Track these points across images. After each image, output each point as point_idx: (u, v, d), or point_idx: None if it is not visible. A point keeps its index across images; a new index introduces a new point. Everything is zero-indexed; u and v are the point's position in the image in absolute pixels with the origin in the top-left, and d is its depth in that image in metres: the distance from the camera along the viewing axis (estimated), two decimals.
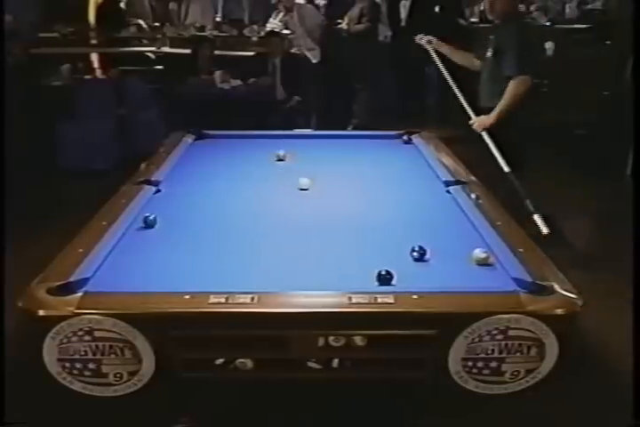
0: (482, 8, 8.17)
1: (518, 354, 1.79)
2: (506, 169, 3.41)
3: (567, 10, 9.03)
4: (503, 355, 1.79)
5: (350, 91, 6.85)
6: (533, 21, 7.98)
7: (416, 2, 7.36)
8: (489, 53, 3.66)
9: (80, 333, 1.75)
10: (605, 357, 2.96)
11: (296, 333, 1.81)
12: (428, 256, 2.13)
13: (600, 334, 3.05)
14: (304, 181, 2.89)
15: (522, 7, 7.55)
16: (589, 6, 9.41)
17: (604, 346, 3.02)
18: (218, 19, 8.08)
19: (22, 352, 1.89)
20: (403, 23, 7.50)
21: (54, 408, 2.35)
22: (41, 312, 1.78)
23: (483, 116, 3.63)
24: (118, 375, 1.81)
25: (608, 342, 3.03)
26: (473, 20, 7.95)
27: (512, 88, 3.50)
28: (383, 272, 1.94)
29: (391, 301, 1.79)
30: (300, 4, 7.27)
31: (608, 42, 6.86)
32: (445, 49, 3.92)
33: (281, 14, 6.98)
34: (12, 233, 2.82)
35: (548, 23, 7.88)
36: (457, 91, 3.77)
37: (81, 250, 2.13)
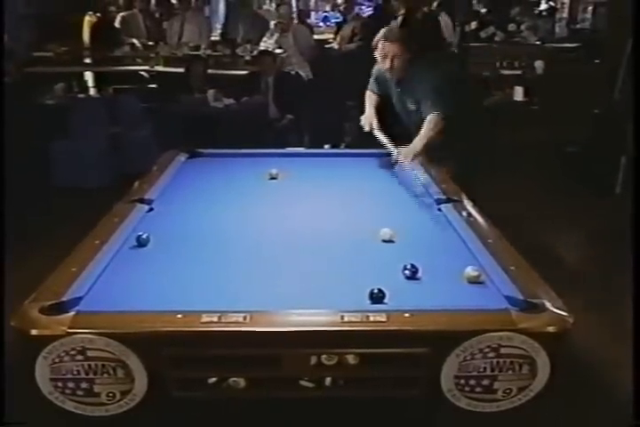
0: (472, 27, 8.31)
1: (510, 372, 1.80)
2: None
3: (557, 29, 9.16)
4: (495, 373, 1.80)
5: (343, 108, 6.89)
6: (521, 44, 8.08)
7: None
8: (411, 106, 3.73)
9: (72, 352, 1.75)
10: (601, 373, 2.97)
11: (288, 351, 1.81)
12: (419, 274, 2.14)
13: (594, 351, 3.06)
14: (386, 232, 2.50)
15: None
16: (579, 26, 9.57)
17: (599, 362, 3.03)
18: (213, 38, 8.15)
19: (17, 370, 1.88)
20: None
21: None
22: (33, 332, 1.78)
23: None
24: (111, 395, 1.81)
25: (603, 358, 3.04)
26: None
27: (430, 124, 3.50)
28: (375, 291, 1.95)
29: (383, 319, 1.80)
30: (294, 25, 7.39)
31: (597, 60, 6.94)
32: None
33: (276, 34, 7.07)
34: (10, 250, 2.82)
35: (537, 42, 7.99)
36: None
37: (74, 269, 2.13)
